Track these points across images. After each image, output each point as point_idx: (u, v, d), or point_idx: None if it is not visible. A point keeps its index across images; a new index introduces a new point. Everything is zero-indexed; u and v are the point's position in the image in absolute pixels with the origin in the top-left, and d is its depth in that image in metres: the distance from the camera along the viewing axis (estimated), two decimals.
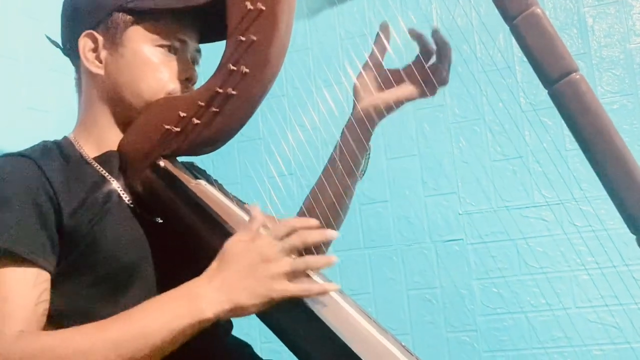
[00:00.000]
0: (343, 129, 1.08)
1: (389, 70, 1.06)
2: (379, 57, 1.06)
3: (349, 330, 0.82)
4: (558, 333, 1.69)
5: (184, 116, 0.92)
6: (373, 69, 1.06)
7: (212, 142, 0.95)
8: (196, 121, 0.92)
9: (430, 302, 1.83)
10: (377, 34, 1.06)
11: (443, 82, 1.04)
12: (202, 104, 0.92)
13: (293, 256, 0.82)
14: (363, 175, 1.12)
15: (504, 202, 1.77)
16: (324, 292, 0.82)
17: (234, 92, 0.90)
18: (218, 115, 0.92)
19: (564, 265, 1.69)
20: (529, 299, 1.72)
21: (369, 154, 1.10)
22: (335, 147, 1.09)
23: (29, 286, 0.82)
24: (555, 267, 1.70)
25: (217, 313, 0.79)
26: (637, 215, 0.69)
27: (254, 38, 0.89)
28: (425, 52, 1.03)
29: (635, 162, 0.70)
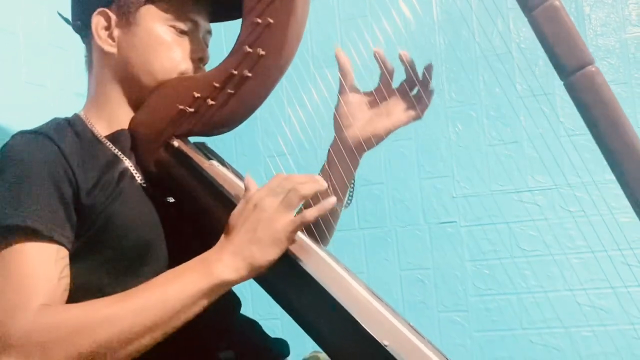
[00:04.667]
0: (329, 151, 1.08)
1: (367, 93, 1.07)
2: (349, 82, 1.06)
3: (346, 294, 0.85)
4: (549, 314, 1.74)
5: (198, 97, 0.92)
6: (351, 92, 1.06)
7: (226, 124, 0.95)
8: (211, 102, 0.92)
9: (422, 283, 1.87)
10: (338, 63, 1.06)
11: (424, 107, 1.05)
12: (217, 85, 0.92)
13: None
14: (349, 204, 1.12)
15: (498, 185, 1.80)
16: (323, 211, 0.82)
17: (249, 74, 0.91)
18: (233, 96, 0.92)
19: (556, 248, 1.73)
20: (520, 281, 1.77)
21: (354, 182, 1.11)
22: (322, 169, 1.10)
23: (51, 262, 0.83)
24: (548, 250, 1.74)
25: (235, 274, 0.81)
26: None
27: (271, 20, 0.89)
28: (409, 81, 1.05)
29: None
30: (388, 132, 1.06)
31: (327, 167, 1.09)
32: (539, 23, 0.77)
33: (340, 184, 1.08)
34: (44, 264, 0.83)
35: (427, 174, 1.88)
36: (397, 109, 1.05)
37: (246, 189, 0.86)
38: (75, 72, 1.58)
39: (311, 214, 0.82)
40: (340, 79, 1.07)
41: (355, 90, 1.07)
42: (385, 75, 1.05)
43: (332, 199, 0.83)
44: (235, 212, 0.84)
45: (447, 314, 1.85)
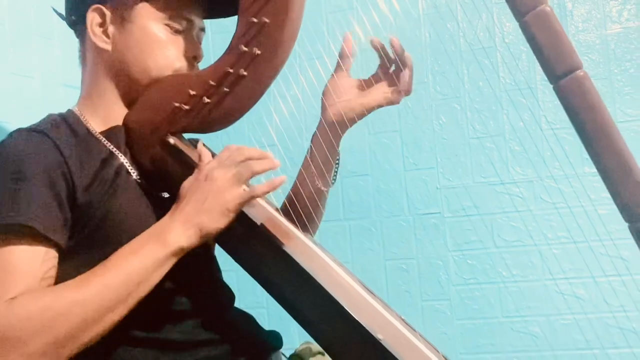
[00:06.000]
0: (315, 132, 1.12)
1: (357, 79, 1.11)
2: (345, 66, 1.10)
3: (342, 290, 0.87)
4: (530, 303, 1.79)
5: (193, 94, 0.93)
6: (343, 76, 1.10)
7: (221, 122, 0.96)
8: (206, 100, 0.93)
9: (406, 272, 1.90)
10: (342, 46, 1.10)
11: (408, 92, 1.08)
12: (213, 83, 0.93)
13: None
14: (334, 182, 1.16)
15: (482, 177, 1.84)
16: (272, 188, 0.88)
17: (245, 73, 0.92)
18: (228, 95, 0.93)
19: (538, 239, 1.78)
20: (502, 271, 1.81)
21: (338, 161, 1.14)
22: (308, 151, 1.13)
23: (37, 262, 0.83)
24: (530, 240, 1.78)
25: (187, 241, 0.86)
26: (631, 205, 0.75)
27: (267, 20, 0.90)
28: (385, 63, 1.09)
29: (631, 155, 0.75)
30: (369, 109, 1.09)
31: (312, 147, 1.12)
32: (529, 28, 0.79)
33: (324, 161, 1.11)
34: (31, 262, 0.83)
35: (412, 166, 1.91)
36: (376, 91, 1.09)
37: (200, 159, 0.91)
38: (63, 63, 1.57)
39: (261, 189, 0.87)
40: (338, 60, 1.10)
41: (347, 75, 1.11)
42: (384, 62, 1.09)
43: (283, 177, 0.89)
44: (186, 183, 0.89)
45: (430, 302, 1.89)
